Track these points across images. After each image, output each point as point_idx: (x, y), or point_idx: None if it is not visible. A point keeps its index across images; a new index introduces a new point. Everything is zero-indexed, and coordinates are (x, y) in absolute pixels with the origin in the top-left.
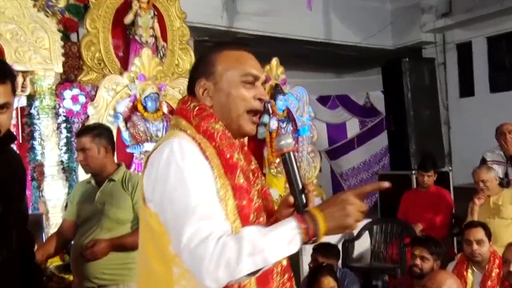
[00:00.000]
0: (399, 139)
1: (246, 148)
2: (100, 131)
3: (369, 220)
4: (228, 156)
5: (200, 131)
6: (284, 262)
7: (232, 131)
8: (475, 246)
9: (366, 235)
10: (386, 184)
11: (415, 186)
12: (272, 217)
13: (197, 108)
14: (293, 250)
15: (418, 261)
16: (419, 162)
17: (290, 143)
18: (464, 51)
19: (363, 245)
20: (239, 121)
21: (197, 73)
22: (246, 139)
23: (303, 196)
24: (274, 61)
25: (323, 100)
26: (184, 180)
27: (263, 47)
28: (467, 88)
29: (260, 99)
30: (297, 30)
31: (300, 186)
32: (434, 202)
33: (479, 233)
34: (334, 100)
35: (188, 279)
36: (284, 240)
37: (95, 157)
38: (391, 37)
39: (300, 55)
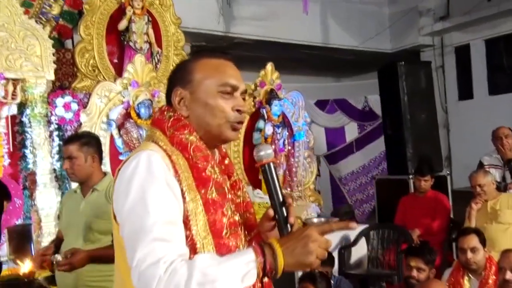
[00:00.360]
0: (396, 143)
1: (228, 159)
2: (88, 139)
3: (366, 225)
4: (200, 169)
5: (174, 143)
6: (266, 279)
7: (213, 138)
8: (469, 255)
9: (363, 241)
10: (353, 225)
11: (412, 191)
12: (253, 231)
13: (172, 118)
14: (247, 284)
15: (414, 273)
16: (416, 166)
17: (270, 154)
18: (462, 53)
19: (360, 251)
20: (220, 130)
21: (174, 81)
22: (241, 145)
23: (283, 209)
24: (269, 66)
25: (321, 104)
26: (144, 197)
27: (261, 52)
28: (466, 91)
29: (238, 110)
30: (295, 34)
31: (281, 199)
32: (431, 207)
33: (473, 241)
34: (333, 104)
35: None
36: (238, 273)
37: (82, 165)
38: (389, 40)
39: (298, 59)
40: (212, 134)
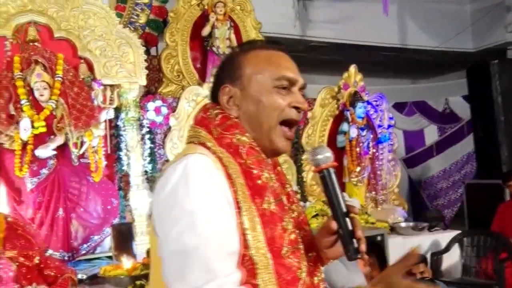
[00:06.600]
0: (488, 145)
1: (279, 167)
2: None
3: (458, 231)
4: (255, 175)
5: (223, 144)
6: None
7: (262, 147)
8: None
9: (455, 247)
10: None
11: (508, 196)
12: (311, 251)
13: (219, 116)
14: None
15: None
16: (505, 171)
17: (329, 157)
18: None
19: (452, 258)
20: (270, 135)
21: (221, 78)
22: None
23: (347, 220)
24: (352, 68)
25: (399, 107)
26: (193, 219)
27: (337, 55)
28: None
29: (296, 108)
30: (371, 36)
31: (344, 209)
32: None
33: None
34: (411, 106)
35: None
36: None
37: None
38: (471, 39)
39: (375, 61)
40: (261, 142)
